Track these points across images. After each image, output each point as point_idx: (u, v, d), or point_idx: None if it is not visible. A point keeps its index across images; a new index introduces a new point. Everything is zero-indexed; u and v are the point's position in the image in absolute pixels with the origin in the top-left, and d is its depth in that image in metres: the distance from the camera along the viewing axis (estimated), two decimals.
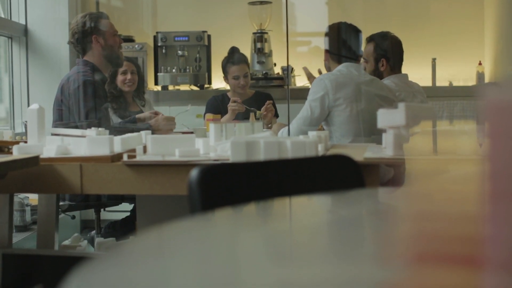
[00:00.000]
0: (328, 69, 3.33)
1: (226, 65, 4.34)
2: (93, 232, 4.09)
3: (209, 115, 4.17)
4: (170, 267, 0.78)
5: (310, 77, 3.94)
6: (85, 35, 3.53)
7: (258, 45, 5.44)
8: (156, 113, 3.55)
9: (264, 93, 4.50)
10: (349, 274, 0.71)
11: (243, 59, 4.39)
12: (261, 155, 2.11)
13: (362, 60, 3.73)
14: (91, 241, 3.99)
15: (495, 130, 0.48)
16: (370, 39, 3.80)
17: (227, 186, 1.46)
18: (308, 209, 1.28)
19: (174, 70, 5.42)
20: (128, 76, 4.19)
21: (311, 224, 1.07)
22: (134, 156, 2.36)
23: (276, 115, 4.18)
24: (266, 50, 5.45)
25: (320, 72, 3.90)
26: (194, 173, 1.43)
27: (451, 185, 0.57)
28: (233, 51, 4.53)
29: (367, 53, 3.75)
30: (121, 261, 0.81)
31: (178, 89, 5.49)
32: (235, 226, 1.09)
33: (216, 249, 0.89)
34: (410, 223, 0.55)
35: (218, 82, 5.66)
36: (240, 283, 0.70)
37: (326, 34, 3.39)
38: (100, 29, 3.55)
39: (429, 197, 0.57)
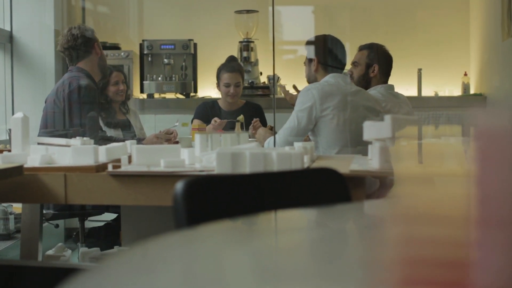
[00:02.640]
0: (313, 79, 3.33)
1: (220, 71, 4.31)
2: (75, 236, 4.07)
3: (196, 122, 4.16)
4: (156, 284, 0.78)
5: (287, 95, 3.95)
6: (85, 43, 3.54)
7: (244, 53, 5.44)
8: (157, 137, 3.57)
9: (254, 104, 4.46)
10: None
11: (237, 68, 4.35)
12: (246, 167, 2.11)
13: (351, 65, 3.74)
14: (74, 248, 3.97)
15: (484, 157, 0.48)
16: (364, 46, 3.81)
17: (213, 198, 1.45)
18: (294, 223, 1.27)
19: (160, 78, 5.41)
20: (121, 87, 4.19)
21: (297, 240, 1.07)
22: (119, 166, 2.35)
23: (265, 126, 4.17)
24: (252, 59, 5.45)
25: (295, 88, 3.92)
26: (179, 185, 1.42)
27: (438, 205, 0.57)
28: (231, 59, 4.52)
29: (359, 59, 3.75)
30: (106, 278, 0.80)
31: (164, 97, 5.48)
32: (221, 242, 1.08)
33: (201, 266, 0.88)
34: (396, 246, 0.54)
35: (204, 91, 5.66)
36: None
37: (311, 44, 3.40)
38: (97, 39, 3.60)
39: (416, 218, 0.57)
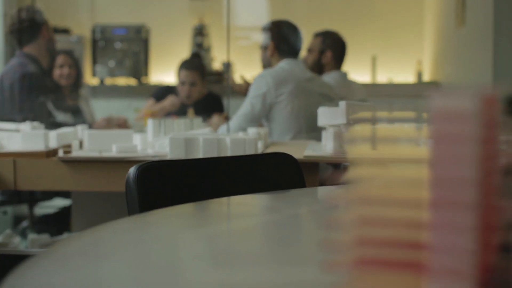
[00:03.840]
0: (268, 65, 3.32)
1: (179, 67, 4.14)
2: (24, 222, 3.99)
3: (151, 101, 4.09)
4: (105, 269, 0.76)
5: (235, 86, 3.93)
6: (33, 26, 3.45)
7: (198, 39, 5.40)
8: (109, 120, 3.50)
9: (216, 95, 4.32)
10: (286, 278, 0.70)
11: (195, 66, 4.14)
12: (200, 152, 2.09)
13: (307, 52, 3.74)
14: (23, 234, 3.90)
15: (438, 137, 0.47)
16: (319, 34, 3.82)
17: (166, 183, 1.43)
18: (247, 208, 1.26)
19: (112, 63, 5.34)
20: (65, 71, 4.10)
21: (250, 224, 1.06)
22: (70, 152, 2.30)
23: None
24: (206, 45, 5.41)
25: (243, 79, 3.88)
26: (132, 170, 1.40)
27: (392, 188, 0.56)
28: (192, 56, 4.38)
29: (313, 45, 3.76)
30: (56, 262, 0.78)
31: (116, 84, 5.41)
32: (173, 227, 1.06)
33: (153, 251, 0.86)
34: (350, 228, 0.54)
35: (157, 76, 5.60)
36: (175, 285, 0.68)
37: (267, 30, 3.38)
38: (47, 22, 3.50)
39: (370, 201, 0.56)
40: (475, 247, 0.48)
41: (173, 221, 1.11)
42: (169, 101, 3.96)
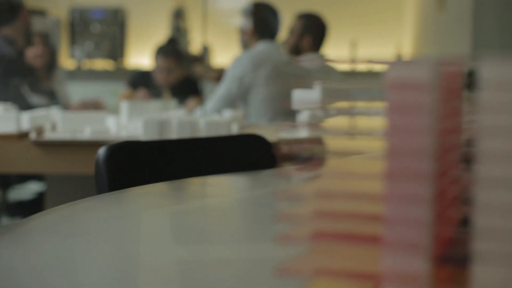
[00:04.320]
0: (247, 47, 3.31)
1: (155, 53, 4.08)
2: None
3: (127, 91, 4.06)
4: (71, 246, 0.75)
5: (208, 72, 3.91)
6: (11, 8, 3.40)
7: (176, 22, 5.36)
8: (84, 105, 3.46)
9: (194, 79, 4.28)
10: (249, 254, 0.70)
11: (171, 52, 4.09)
12: (173, 134, 2.08)
13: (287, 33, 3.72)
14: None
15: (393, 108, 0.46)
16: (301, 15, 3.80)
17: (136, 165, 1.42)
18: (216, 188, 1.25)
19: (89, 46, 5.29)
20: (38, 51, 4.04)
21: (217, 203, 1.05)
22: (43, 134, 2.28)
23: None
24: (184, 28, 5.37)
25: (214, 68, 3.85)
26: (101, 151, 1.38)
27: (360, 165, 0.56)
28: (168, 42, 4.32)
29: (294, 27, 3.74)
30: (22, 239, 0.77)
31: (93, 67, 5.36)
32: (139, 205, 1.05)
33: (118, 228, 0.85)
34: (311, 202, 0.53)
35: (135, 58, 5.56)
36: (141, 262, 0.68)
37: (246, 11, 3.36)
38: (24, 4, 3.46)
39: (336, 177, 0.56)
40: (431, 219, 0.47)
41: (140, 200, 1.10)
42: (141, 96, 3.89)
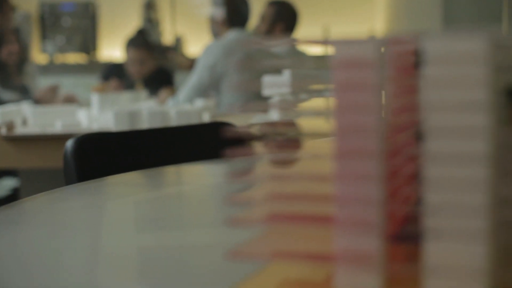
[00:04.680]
0: (218, 36, 3.29)
1: (126, 46, 4.05)
2: None
3: (100, 85, 4.02)
4: (35, 236, 0.74)
5: (178, 61, 3.88)
6: None
7: (147, 13, 5.32)
8: (53, 89, 3.42)
9: (166, 70, 4.24)
10: (208, 238, 0.70)
11: (142, 43, 4.03)
12: (145, 125, 2.06)
13: (259, 20, 3.70)
14: None
15: (339, 87, 0.46)
16: (272, 3, 3.78)
17: (104, 155, 1.41)
18: (185, 177, 1.25)
19: (60, 40, 5.24)
20: (14, 48, 4.00)
21: (185, 191, 1.05)
22: (13, 129, 2.26)
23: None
24: (155, 19, 5.34)
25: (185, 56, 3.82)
26: (69, 143, 1.37)
27: (319, 146, 0.55)
28: (138, 33, 4.27)
29: (265, 15, 3.72)
30: None
31: (65, 61, 5.31)
32: (104, 195, 1.05)
33: (78, 219, 0.85)
34: (264, 185, 0.53)
35: (108, 50, 5.52)
36: (101, 249, 0.67)
37: (216, 1, 3.34)
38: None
39: (294, 161, 0.55)
40: (382, 197, 0.47)
41: (104, 190, 1.09)
42: (113, 87, 3.85)
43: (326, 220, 0.49)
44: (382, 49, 0.47)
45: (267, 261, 0.53)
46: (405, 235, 0.52)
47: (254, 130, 0.50)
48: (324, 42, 0.48)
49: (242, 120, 2.20)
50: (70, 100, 3.39)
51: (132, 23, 5.36)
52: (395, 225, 0.52)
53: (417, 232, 0.48)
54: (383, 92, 0.47)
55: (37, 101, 3.20)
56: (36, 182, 2.92)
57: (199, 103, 2.45)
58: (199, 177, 1.27)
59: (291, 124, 0.60)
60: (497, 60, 0.45)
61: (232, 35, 3.17)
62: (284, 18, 3.72)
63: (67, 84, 4.79)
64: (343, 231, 0.48)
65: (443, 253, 0.45)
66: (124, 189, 1.13)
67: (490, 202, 0.44)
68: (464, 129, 0.44)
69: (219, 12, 3.27)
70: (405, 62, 0.57)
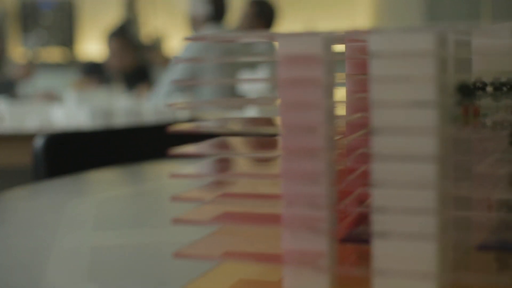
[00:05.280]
0: (196, 32, 3.29)
1: (107, 40, 4.04)
2: None
3: (80, 81, 4.01)
4: None
5: (156, 58, 3.87)
6: None
7: (127, 10, 5.29)
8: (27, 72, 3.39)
9: (145, 67, 4.23)
10: (161, 237, 0.69)
11: (123, 34, 4.10)
12: (121, 122, 2.05)
13: (239, 18, 3.69)
14: None
15: (283, 83, 0.45)
16: (252, 1, 3.77)
17: (74, 154, 1.40)
18: (151, 175, 1.24)
19: (39, 37, 5.20)
20: None
21: (148, 190, 1.04)
22: None
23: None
24: (135, 15, 5.31)
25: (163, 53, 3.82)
26: (39, 141, 1.36)
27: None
28: (120, 28, 4.27)
29: (245, 12, 3.71)
30: None
31: (45, 58, 5.27)
32: (63, 194, 1.03)
33: (35, 218, 0.83)
34: (213, 184, 0.52)
35: (87, 47, 5.48)
36: (53, 248, 0.66)
37: None
38: None
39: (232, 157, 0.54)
40: (331, 196, 0.46)
41: (65, 189, 1.08)
42: (90, 84, 3.84)
43: (277, 219, 0.48)
44: (332, 45, 0.46)
45: (217, 261, 0.52)
46: (357, 236, 0.51)
47: (223, 127, 0.49)
48: (271, 37, 0.47)
49: (219, 116, 2.19)
50: (50, 97, 3.37)
51: (112, 20, 5.33)
52: (346, 225, 0.51)
53: (367, 232, 0.47)
54: (331, 89, 0.46)
55: (14, 77, 3.17)
56: (13, 180, 2.89)
57: (175, 100, 2.44)
58: (166, 175, 1.26)
59: (268, 121, 0.59)
60: (446, 57, 0.44)
61: (210, 31, 3.16)
62: (263, 16, 3.71)
63: (46, 81, 4.76)
64: (291, 231, 0.47)
65: (391, 252, 0.44)
66: (89, 187, 1.12)
67: (439, 201, 0.43)
68: (412, 126, 0.43)
69: (198, 9, 3.26)
70: (360, 59, 0.56)
